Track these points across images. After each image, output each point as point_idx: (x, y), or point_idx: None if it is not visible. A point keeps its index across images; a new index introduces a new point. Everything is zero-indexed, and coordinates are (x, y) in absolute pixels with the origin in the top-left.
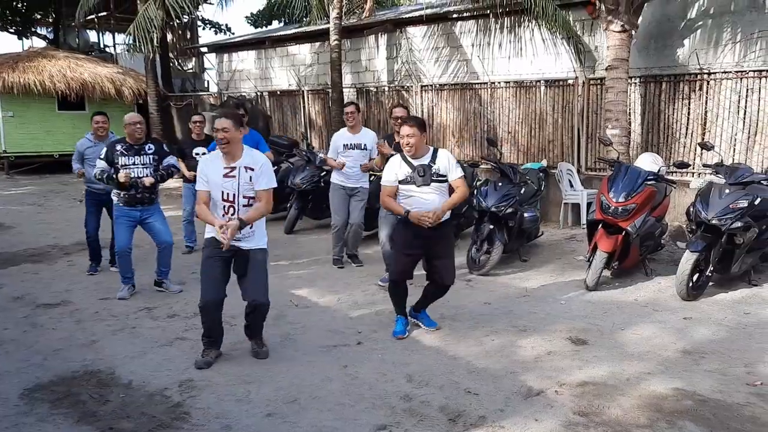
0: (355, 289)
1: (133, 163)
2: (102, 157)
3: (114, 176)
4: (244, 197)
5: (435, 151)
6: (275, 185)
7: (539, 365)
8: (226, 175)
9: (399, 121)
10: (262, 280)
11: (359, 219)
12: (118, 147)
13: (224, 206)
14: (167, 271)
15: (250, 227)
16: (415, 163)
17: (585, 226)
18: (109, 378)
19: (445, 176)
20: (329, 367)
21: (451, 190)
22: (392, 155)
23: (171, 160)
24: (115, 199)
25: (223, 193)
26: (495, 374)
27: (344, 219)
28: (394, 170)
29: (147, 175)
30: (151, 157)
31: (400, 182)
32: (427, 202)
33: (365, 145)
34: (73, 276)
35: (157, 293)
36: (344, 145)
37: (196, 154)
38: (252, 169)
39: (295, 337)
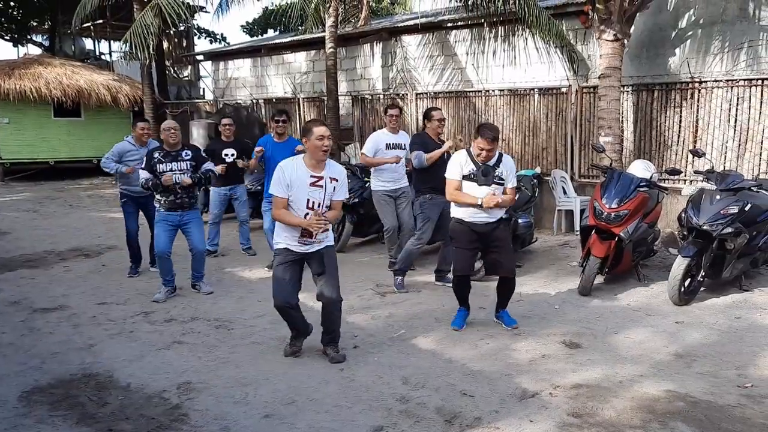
0: (351, 294)
1: (171, 170)
2: (144, 167)
3: (159, 182)
4: (326, 207)
5: (500, 156)
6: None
7: (534, 368)
8: (313, 184)
9: (443, 122)
10: (335, 278)
11: (412, 222)
12: (156, 155)
13: (306, 214)
14: (200, 275)
15: (326, 233)
16: (481, 162)
17: (578, 233)
18: (108, 381)
19: (504, 180)
20: (326, 369)
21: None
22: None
23: (209, 165)
24: (156, 204)
25: (308, 201)
26: (490, 376)
27: (396, 221)
28: (460, 163)
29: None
30: (188, 162)
31: (463, 177)
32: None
33: (404, 144)
34: (70, 281)
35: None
36: (387, 144)
37: (225, 155)
38: (336, 180)
39: None
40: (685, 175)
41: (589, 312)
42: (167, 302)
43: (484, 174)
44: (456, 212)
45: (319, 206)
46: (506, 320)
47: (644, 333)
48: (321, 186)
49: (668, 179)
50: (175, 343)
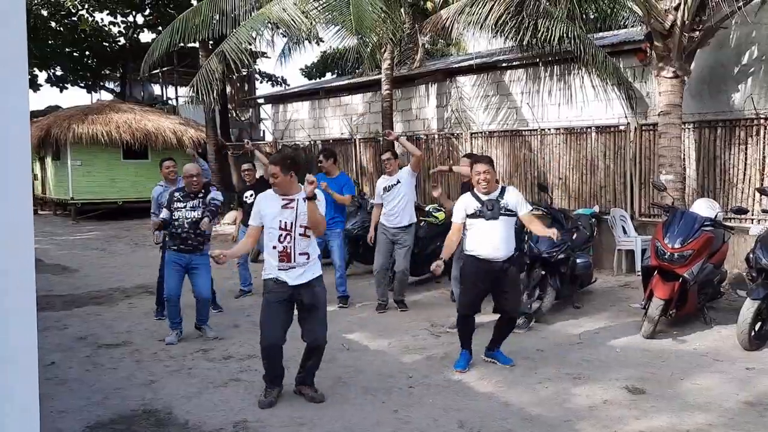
0: (405, 334)
1: (183, 207)
2: (166, 206)
3: (168, 224)
4: (300, 226)
5: (503, 189)
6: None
7: (594, 414)
8: (284, 207)
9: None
10: (323, 320)
11: (403, 266)
12: (176, 194)
13: (280, 235)
14: (204, 319)
15: (307, 258)
16: (484, 198)
17: (640, 273)
18: (167, 417)
19: (513, 211)
20: (380, 411)
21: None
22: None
23: (214, 193)
24: (168, 243)
25: (280, 222)
26: (549, 422)
27: (384, 262)
28: (464, 206)
29: (195, 217)
30: (200, 200)
31: (469, 216)
32: (493, 234)
33: (399, 180)
34: (134, 318)
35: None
36: (384, 188)
37: (246, 197)
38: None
39: (346, 381)
40: (753, 214)
41: (652, 356)
42: (225, 340)
43: (490, 208)
44: (471, 248)
45: (291, 226)
46: (503, 359)
47: (712, 379)
48: (292, 207)
49: (734, 218)
50: (233, 381)
